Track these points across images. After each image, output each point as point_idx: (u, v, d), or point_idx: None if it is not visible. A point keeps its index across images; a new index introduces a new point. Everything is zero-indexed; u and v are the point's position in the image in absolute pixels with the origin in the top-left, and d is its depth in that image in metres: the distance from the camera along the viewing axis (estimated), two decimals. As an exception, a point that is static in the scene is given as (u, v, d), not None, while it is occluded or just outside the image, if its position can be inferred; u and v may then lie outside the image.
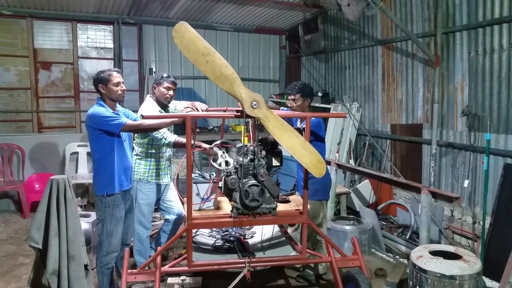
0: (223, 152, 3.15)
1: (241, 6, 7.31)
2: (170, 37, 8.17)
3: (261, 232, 4.42)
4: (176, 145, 3.74)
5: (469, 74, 4.97)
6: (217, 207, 3.19)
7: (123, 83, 3.40)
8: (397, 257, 4.63)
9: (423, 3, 5.54)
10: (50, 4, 6.88)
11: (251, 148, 2.96)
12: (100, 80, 3.33)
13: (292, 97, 3.80)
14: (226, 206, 3.18)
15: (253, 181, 2.82)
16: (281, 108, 4.21)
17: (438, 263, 2.99)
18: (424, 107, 5.70)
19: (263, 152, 2.98)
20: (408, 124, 6.01)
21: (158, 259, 2.99)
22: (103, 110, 3.29)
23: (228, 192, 2.95)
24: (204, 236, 4.47)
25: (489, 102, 4.72)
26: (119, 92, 3.35)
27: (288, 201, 3.36)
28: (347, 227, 4.71)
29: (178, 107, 3.99)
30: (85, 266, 2.76)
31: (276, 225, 3.88)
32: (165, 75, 3.87)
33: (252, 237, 4.45)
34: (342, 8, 5.30)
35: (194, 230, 4.17)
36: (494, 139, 4.59)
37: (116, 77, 3.34)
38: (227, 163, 3.08)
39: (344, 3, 5.20)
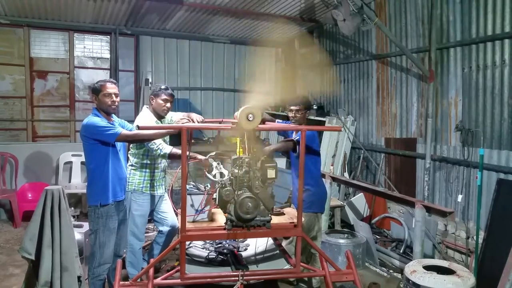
0: (218, 164, 3.14)
1: (238, 19, 7.38)
2: (167, 48, 8.21)
3: (255, 245, 4.40)
4: (171, 157, 3.72)
5: (462, 90, 5.03)
6: (211, 219, 3.17)
7: (115, 94, 3.36)
8: (391, 271, 4.62)
9: (418, 19, 5.62)
10: (47, 14, 6.90)
11: (246, 160, 2.96)
12: (93, 90, 3.35)
13: (296, 107, 3.83)
14: (220, 218, 3.16)
15: (248, 193, 2.81)
16: (277, 120, 4.22)
17: (431, 278, 2.98)
18: (418, 121, 5.74)
19: (258, 164, 2.99)
20: (402, 138, 6.05)
21: (151, 271, 2.96)
22: (98, 120, 3.28)
23: (223, 204, 2.94)
24: (198, 248, 4.43)
25: (482, 117, 4.77)
26: (109, 103, 3.33)
27: (282, 214, 3.35)
28: (341, 241, 4.69)
29: (174, 118, 3.98)
30: (78, 277, 2.73)
31: (270, 238, 3.86)
32: (163, 86, 3.86)
33: (246, 249, 4.42)
34: (338, 23, 5.36)
35: (187, 242, 4.14)
36: (488, 154, 4.63)
37: (108, 88, 3.32)
38: (221, 174, 3.07)
39: (340, 18, 5.25)
